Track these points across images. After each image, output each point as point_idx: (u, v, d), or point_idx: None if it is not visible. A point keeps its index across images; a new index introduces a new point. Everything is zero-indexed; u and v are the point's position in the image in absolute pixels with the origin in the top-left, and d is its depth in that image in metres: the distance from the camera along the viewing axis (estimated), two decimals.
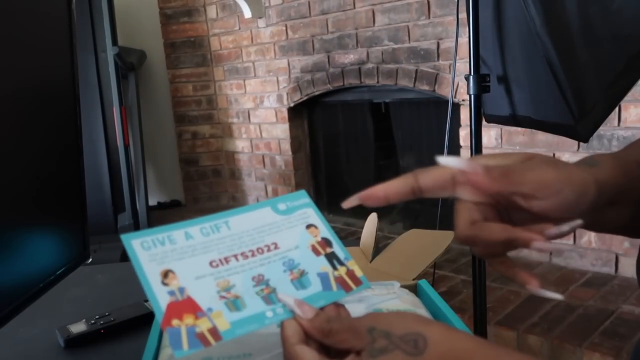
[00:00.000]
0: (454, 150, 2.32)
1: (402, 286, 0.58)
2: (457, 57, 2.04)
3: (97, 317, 0.71)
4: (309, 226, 0.47)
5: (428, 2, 2.30)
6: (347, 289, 0.44)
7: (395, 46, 2.48)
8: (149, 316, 0.69)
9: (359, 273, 0.46)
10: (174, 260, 0.42)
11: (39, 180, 0.59)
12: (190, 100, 3.57)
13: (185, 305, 0.40)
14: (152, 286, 0.41)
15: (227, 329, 0.39)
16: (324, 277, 0.44)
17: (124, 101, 2.79)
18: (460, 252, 2.26)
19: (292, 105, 3.06)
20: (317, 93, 2.90)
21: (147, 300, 0.74)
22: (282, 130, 3.16)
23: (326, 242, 0.47)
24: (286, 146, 3.15)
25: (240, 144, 3.48)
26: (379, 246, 0.78)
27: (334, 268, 0.45)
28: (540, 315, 1.74)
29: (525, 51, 1.32)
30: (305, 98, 2.97)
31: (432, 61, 2.35)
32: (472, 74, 1.32)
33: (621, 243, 1.95)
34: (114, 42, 2.71)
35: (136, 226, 2.84)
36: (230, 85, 3.43)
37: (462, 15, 1.37)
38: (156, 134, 3.57)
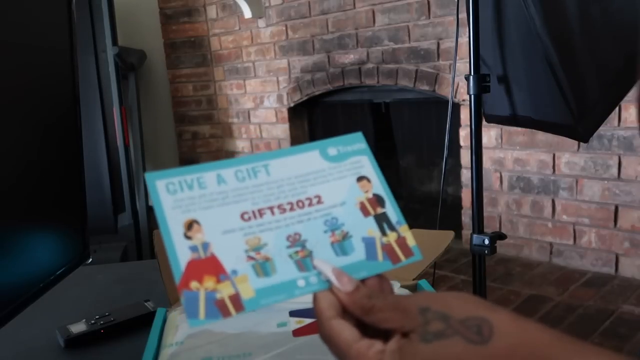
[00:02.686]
0: (454, 150, 2.32)
1: (402, 286, 0.58)
2: (457, 57, 2.04)
3: (97, 317, 0.71)
4: (360, 178, 0.40)
5: (428, 2, 2.30)
6: (394, 260, 0.38)
7: (395, 46, 2.48)
8: (149, 316, 0.69)
9: (411, 242, 0.39)
10: (201, 209, 0.36)
11: (39, 180, 0.59)
12: (190, 100, 3.57)
13: (208, 265, 0.35)
14: (173, 239, 0.35)
15: (250, 297, 0.34)
16: (369, 243, 0.38)
17: (124, 101, 2.79)
18: (460, 252, 2.26)
19: (292, 105, 3.06)
20: (317, 93, 2.90)
21: (147, 300, 0.74)
22: (282, 130, 3.16)
23: (378, 201, 0.39)
24: (286, 146, 3.15)
25: (240, 144, 3.48)
26: None
27: (383, 233, 0.38)
28: (540, 315, 1.74)
29: (525, 51, 1.32)
30: (305, 98, 2.97)
31: (432, 61, 2.35)
32: (472, 74, 1.32)
33: (621, 243, 1.95)
34: (114, 42, 2.71)
35: (136, 226, 2.84)
36: (230, 85, 3.43)
37: (462, 15, 1.37)
38: (156, 134, 3.57)
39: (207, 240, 0.36)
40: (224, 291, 0.34)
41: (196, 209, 0.37)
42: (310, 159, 0.40)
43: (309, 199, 0.38)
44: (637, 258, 1.92)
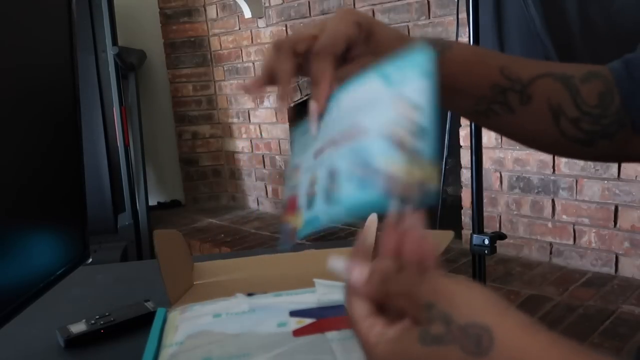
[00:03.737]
0: (454, 150, 2.32)
1: None
2: None
3: (97, 317, 0.71)
4: (411, 107, 0.36)
5: (428, 2, 2.30)
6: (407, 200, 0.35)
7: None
8: (149, 316, 0.69)
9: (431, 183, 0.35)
10: (301, 152, 0.43)
11: (39, 180, 0.59)
12: (190, 100, 3.57)
13: (293, 201, 0.40)
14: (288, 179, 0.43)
15: (299, 228, 0.39)
16: (391, 179, 0.35)
17: (124, 101, 2.79)
18: (460, 252, 2.26)
19: (292, 105, 3.06)
20: None
21: (147, 300, 0.74)
22: (282, 130, 3.16)
23: (418, 133, 0.36)
24: (286, 146, 3.15)
25: (240, 144, 3.48)
26: (379, 246, 0.78)
27: (409, 171, 0.35)
28: (540, 315, 1.74)
29: (525, 51, 1.32)
30: (305, 98, 2.97)
31: None
32: None
33: (621, 243, 1.95)
34: (114, 42, 2.71)
35: (136, 226, 2.84)
36: (230, 85, 3.43)
37: (462, 15, 1.37)
38: (156, 134, 3.57)
39: (300, 180, 0.41)
40: (293, 222, 0.39)
41: (300, 153, 0.44)
42: (373, 85, 0.40)
43: (359, 131, 0.38)
44: (637, 258, 1.92)
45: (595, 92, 0.50)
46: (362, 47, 0.46)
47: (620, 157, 0.55)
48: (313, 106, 0.45)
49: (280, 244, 0.40)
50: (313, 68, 0.45)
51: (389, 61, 0.40)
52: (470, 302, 0.31)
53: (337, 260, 0.36)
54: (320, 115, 0.44)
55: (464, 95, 0.50)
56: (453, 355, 0.30)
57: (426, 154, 0.35)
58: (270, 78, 0.47)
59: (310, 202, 0.38)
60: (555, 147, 0.53)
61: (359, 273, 0.35)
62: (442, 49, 0.48)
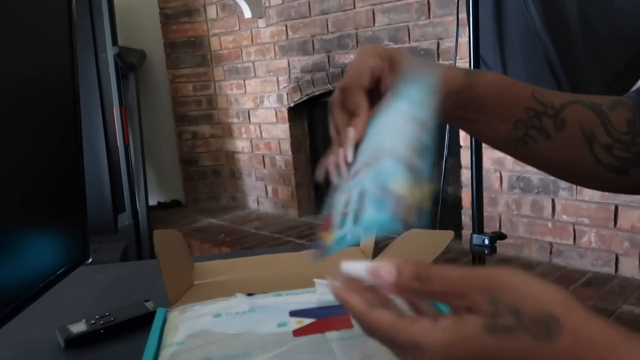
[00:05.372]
0: (454, 150, 2.32)
1: None
2: (457, 57, 2.04)
3: (97, 317, 0.71)
4: (417, 124, 0.39)
5: (428, 2, 2.30)
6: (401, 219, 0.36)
7: (396, 46, 2.48)
8: (149, 316, 0.69)
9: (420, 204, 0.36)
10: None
11: (39, 180, 0.59)
12: (190, 100, 3.57)
13: (329, 219, 0.42)
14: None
15: (329, 246, 0.40)
16: (395, 200, 0.36)
17: (124, 101, 2.79)
18: (460, 252, 2.26)
19: (292, 105, 3.06)
20: (317, 93, 2.90)
21: (147, 300, 0.74)
22: (282, 130, 3.16)
23: (421, 152, 0.38)
24: (286, 146, 3.15)
25: (240, 144, 3.48)
26: (379, 246, 0.78)
27: (410, 190, 0.36)
28: None
29: (525, 51, 1.32)
30: (305, 98, 2.97)
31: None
32: None
33: (621, 243, 1.95)
34: (114, 42, 2.71)
35: (136, 226, 2.84)
36: (230, 85, 3.43)
37: (462, 15, 1.37)
38: (156, 134, 3.57)
39: (337, 200, 0.42)
40: (325, 239, 0.41)
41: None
42: (396, 108, 0.42)
43: (381, 153, 0.40)
44: (637, 258, 1.92)
45: (623, 119, 0.51)
46: (390, 77, 0.47)
47: None
48: (351, 133, 0.46)
49: (310, 258, 0.42)
50: (348, 102, 0.47)
51: (404, 83, 0.43)
52: (536, 293, 0.32)
53: (352, 263, 0.36)
54: (357, 144, 0.46)
55: (502, 119, 0.51)
56: (523, 342, 0.31)
57: (426, 174, 0.37)
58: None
59: (342, 221, 0.39)
60: (592, 176, 0.53)
61: (387, 273, 0.34)
62: (476, 74, 0.50)
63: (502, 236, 1.41)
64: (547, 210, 2.12)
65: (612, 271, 1.98)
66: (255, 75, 3.23)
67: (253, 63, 3.22)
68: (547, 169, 0.55)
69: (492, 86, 0.50)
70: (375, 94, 0.48)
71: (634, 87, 0.56)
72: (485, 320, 0.32)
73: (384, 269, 0.34)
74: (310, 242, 2.69)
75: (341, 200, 0.42)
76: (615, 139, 0.50)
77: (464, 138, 2.30)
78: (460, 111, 0.49)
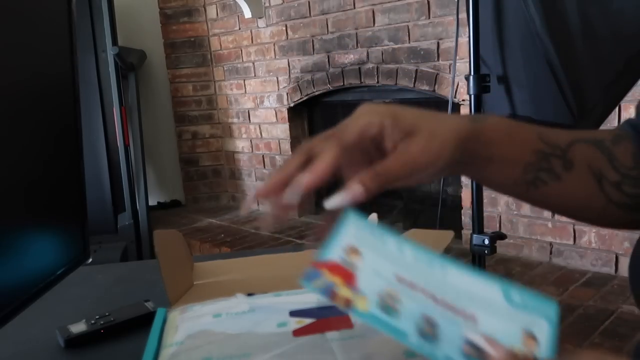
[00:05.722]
0: None
1: None
2: (457, 57, 2.04)
3: (97, 317, 0.71)
4: (529, 335, 0.39)
5: (428, 2, 2.30)
6: None
7: (395, 46, 2.48)
8: (149, 316, 0.69)
9: None
10: (370, 249, 0.41)
11: (39, 180, 0.59)
12: (190, 100, 3.57)
13: (345, 274, 0.39)
14: (334, 244, 0.40)
15: (361, 310, 0.37)
16: None
17: (124, 101, 2.79)
18: (460, 252, 2.26)
19: (292, 105, 3.06)
20: (317, 93, 2.90)
21: (147, 300, 0.74)
22: (282, 130, 3.16)
23: None
24: (286, 146, 3.15)
25: (240, 144, 3.48)
26: None
27: None
28: None
29: (525, 51, 1.32)
30: (305, 98, 2.97)
31: (432, 61, 2.35)
32: (472, 74, 1.32)
33: (621, 243, 1.95)
34: (114, 42, 2.71)
35: (136, 226, 2.84)
36: (230, 85, 3.43)
37: (462, 15, 1.37)
38: (156, 134, 3.57)
39: (357, 264, 0.39)
40: (343, 292, 0.38)
41: (366, 245, 0.41)
42: (490, 289, 0.40)
43: (464, 312, 0.38)
44: None
45: (628, 153, 0.50)
46: (393, 134, 0.43)
47: None
48: (305, 179, 0.41)
49: (304, 280, 0.38)
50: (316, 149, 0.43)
51: (513, 284, 0.41)
52: None
53: (479, 338, 0.37)
54: (309, 189, 0.42)
55: (511, 164, 0.49)
56: None
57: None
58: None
59: (385, 309, 0.37)
60: (605, 215, 0.51)
61: (501, 349, 0.36)
62: (482, 119, 0.48)
63: (502, 236, 1.41)
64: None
65: (612, 271, 1.98)
66: (255, 75, 3.23)
67: (253, 63, 3.22)
68: (560, 210, 0.54)
69: (498, 130, 0.48)
70: (376, 154, 0.44)
71: (625, 118, 0.54)
72: None
73: (500, 345, 0.36)
74: (310, 242, 2.69)
75: (373, 280, 0.38)
76: (624, 175, 0.49)
77: None
78: (469, 158, 0.46)
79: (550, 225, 2.13)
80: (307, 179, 0.41)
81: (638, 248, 0.47)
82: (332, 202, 0.41)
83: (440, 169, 0.44)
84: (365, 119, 0.43)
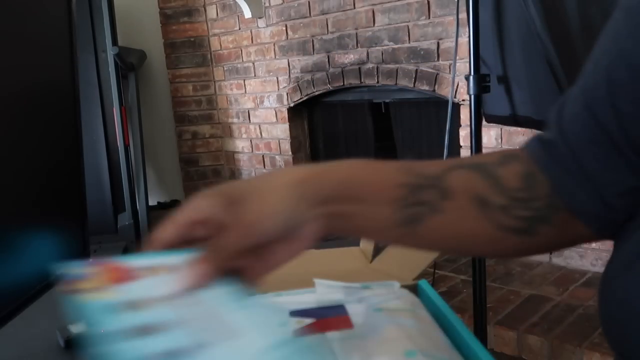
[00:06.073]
0: (454, 150, 2.32)
1: (402, 286, 0.57)
2: (457, 57, 2.04)
3: None
4: None
5: (428, 2, 2.30)
6: None
7: (395, 46, 2.48)
8: None
9: None
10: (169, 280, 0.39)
11: (39, 180, 0.59)
12: (190, 100, 3.57)
13: (123, 275, 0.40)
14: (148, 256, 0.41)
15: (91, 297, 0.37)
16: None
17: (124, 101, 2.79)
18: None
19: (292, 105, 3.06)
20: (317, 93, 2.90)
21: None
22: (282, 130, 3.16)
23: None
24: (286, 146, 3.15)
25: (240, 144, 3.48)
26: (379, 246, 0.79)
27: None
28: (540, 315, 1.74)
29: (525, 51, 1.32)
30: (305, 98, 2.97)
31: (432, 61, 2.35)
32: (472, 74, 1.32)
33: None
34: (114, 42, 2.71)
35: (136, 226, 2.84)
36: (230, 85, 3.43)
37: (462, 15, 1.37)
38: (156, 134, 3.57)
39: (145, 275, 0.40)
40: (96, 280, 0.40)
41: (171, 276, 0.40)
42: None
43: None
44: None
45: (517, 175, 0.45)
46: (226, 211, 0.40)
47: (566, 243, 0.48)
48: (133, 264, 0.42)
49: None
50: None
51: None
52: None
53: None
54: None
55: (376, 203, 0.43)
56: None
57: None
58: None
59: (126, 308, 0.36)
60: (497, 243, 0.46)
61: None
62: (328, 164, 0.44)
63: None
64: None
65: None
66: (255, 75, 3.23)
67: (253, 63, 3.22)
68: (449, 246, 0.48)
69: (348, 170, 0.44)
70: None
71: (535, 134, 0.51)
72: None
73: None
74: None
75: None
76: (511, 198, 0.44)
77: (464, 138, 2.30)
78: (333, 206, 0.42)
79: None
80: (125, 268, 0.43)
81: (604, 286, 0.42)
82: (174, 287, 0.39)
83: (283, 222, 0.40)
84: (191, 207, 0.42)
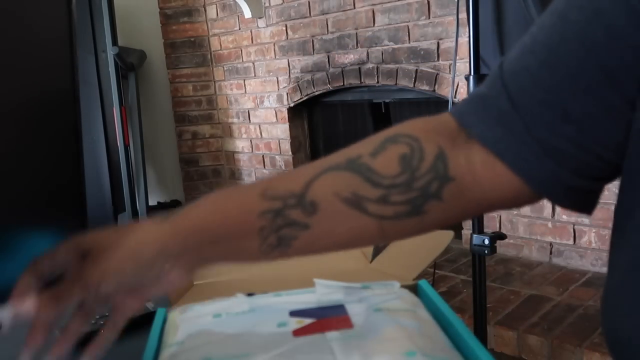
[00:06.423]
0: None
1: (402, 286, 0.58)
2: (457, 57, 2.04)
3: (97, 317, 0.71)
4: None
5: (428, 2, 2.30)
6: None
7: (395, 46, 2.48)
8: (149, 316, 0.69)
9: None
10: None
11: (39, 180, 0.59)
12: (190, 100, 3.57)
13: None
14: None
15: None
16: None
17: (124, 101, 2.79)
18: (460, 252, 2.26)
19: (292, 105, 3.06)
20: (317, 93, 2.90)
21: (147, 300, 0.74)
22: (282, 130, 3.16)
23: None
24: (286, 146, 3.15)
25: (240, 144, 3.48)
26: (379, 246, 0.79)
27: None
28: (540, 315, 1.74)
29: None
30: (305, 98, 2.97)
31: (432, 61, 2.35)
32: (472, 74, 1.32)
33: None
34: (114, 42, 2.71)
35: None
36: (230, 85, 3.43)
37: (462, 15, 1.37)
38: (156, 134, 3.57)
39: None
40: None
41: None
42: None
43: None
44: None
45: (393, 159, 0.44)
46: (73, 262, 0.46)
47: (469, 212, 0.46)
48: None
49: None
50: None
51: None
52: None
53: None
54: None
55: (242, 237, 0.44)
56: None
57: None
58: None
59: None
60: (390, 232, 0.45)
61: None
62: (176, 214, 0.45)
63: (502, 236, 1.41)
64: (547, 210, 2.12)
65: None
66: (255, 75, 3.23)
67: (253, 63, 3.22)
68: (332, 249, 0.47)
69: (204, 213, 0.45)
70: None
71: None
72: None
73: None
74: None
75: None
76: (388, 186, 0.43)
77: None
78: (195, 252, 0.44)
79: (550, 225, 2.13)
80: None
81: (608, 289, 0.42)
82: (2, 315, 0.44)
83: (129, 281, 0.44)
84: (50, 254, 0.46)
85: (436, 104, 2.49)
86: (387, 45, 2.51)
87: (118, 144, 2.79)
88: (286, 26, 2.95)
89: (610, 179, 0.43)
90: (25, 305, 0.44)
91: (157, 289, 0.45)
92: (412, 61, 2.42)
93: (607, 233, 1.97)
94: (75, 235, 0.47)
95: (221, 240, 0.44)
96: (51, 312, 0.44)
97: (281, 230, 0.43)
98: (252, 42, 3.18)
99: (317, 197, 0.44)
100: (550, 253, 2.15)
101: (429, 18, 2.32)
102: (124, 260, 0.44)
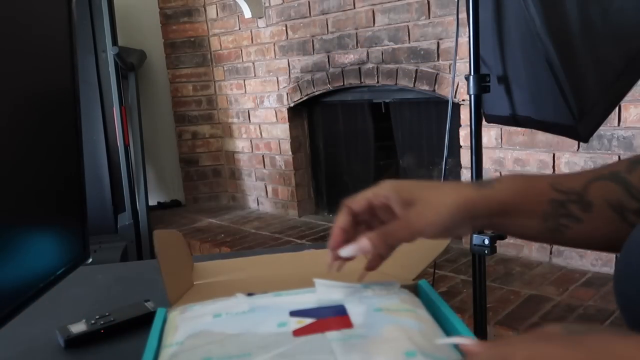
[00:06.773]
0: (454, 150, 2.32)
1: (402, 286, 0.57)
2: (457, 57, 2.04)
3: (97, 317, 0.71)
4: None
5: (428, 2, 2.30)
6: None
7: (395, 46, 2.48)
8: (149, 316, 0.69)
9: None
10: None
11: (39, 180, 0.59)
12: (190, 100, 3.57)
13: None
14: None
15: None
16: None
17: (124, 101, 2.79)
18: (460, 252, 2.26)
19: (292, 105, 3.06)
20: (317, 93, 2.90)
21: (147, 300, 0.74)
22: (282, 130, 3.16)
23: None
24: (286, 146, 3.15)
25: (240, 144, 3.48)
26: None
27: None
28: (540, 315, 1.74)
29: (525, 51, 1.32)
30: (305, 98, 2.97)
31: (432, 61, 2.35)
32: (472, 74, 1.32)
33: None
34: (114, 42, 2.71)
35: (136, 226, 2.84)
36: (230, 85, 3.43)
37: (462, 15, 1.37)
38: (156, 134, 3.57)
39: None
40: None
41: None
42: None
43: None
44: None
45: None
46: (397, 204, 0.52)
47: None
48: (329, 255, 0.54)
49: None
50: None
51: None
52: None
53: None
54: (334, 249, 0.53)
55: (530, 217, 0.53)
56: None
57: None
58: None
59: None
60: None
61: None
62: (489, 183, 0.53)
63: (502, 236, 1.40)
64: None
65: (612, 271, 1.98)
66: (255, 75, 3.23)
67: (253, 63, 3.22)
68: (589, 247, 0.57)
69: (508, 190, 0.53)
70: (390, 218, 0.53)
71: None
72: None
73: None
74: (310, 242, 2.69)
75: None
76: None
77: (464, 138, 2.30)
78: (485, 219, 0.52)
79: None
80: (329, 243, 0.54)
81: (623, 260, 0.49)
82: (345, 252, 0.53)
83: (441, 231, 0.51)
84: (374, 191, 0.54)
85: (436, 104, 2.49)
86: (387, 45, 2.51)
87: (118, 144, 2.79)
88: (286, 26, 2.95)
89: None
90: (363, 242, 0.52)
91: (444, 237, 0.55)
92: (412, 61, 2.42)
93: None
94: (387, 180, 0.55)
95: (513, 214, 0.52)
96: (383, 248, 0.52)
97: (561, 219, 0.52)
98: (252, 42, 3.18)
99: (593, 198, 0.52)
100: (550, 253, 2.15)
101: (429, 18, 2.32)
102: (441, 213, 0.51)
